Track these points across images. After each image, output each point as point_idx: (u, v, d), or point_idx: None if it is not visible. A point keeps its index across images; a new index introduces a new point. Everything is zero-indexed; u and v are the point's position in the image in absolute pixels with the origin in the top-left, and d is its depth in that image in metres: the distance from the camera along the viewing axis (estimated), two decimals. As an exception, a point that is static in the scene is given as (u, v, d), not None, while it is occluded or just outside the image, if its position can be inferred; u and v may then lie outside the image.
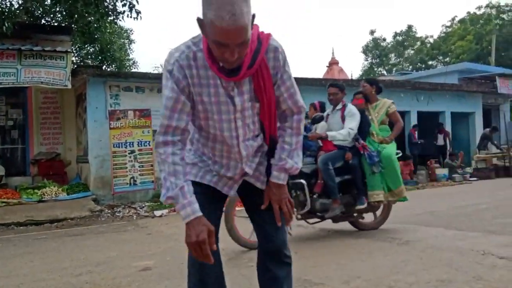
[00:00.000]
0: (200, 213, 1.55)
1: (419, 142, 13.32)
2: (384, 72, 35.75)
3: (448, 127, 14.80)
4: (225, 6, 1.36)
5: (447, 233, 4.94)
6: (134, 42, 19.89)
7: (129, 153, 9.05)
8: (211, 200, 1.75)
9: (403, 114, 14.04)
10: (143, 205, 8.92)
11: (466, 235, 4.78)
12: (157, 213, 8.07)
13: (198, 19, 1.48)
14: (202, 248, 1.52)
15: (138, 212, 8.30)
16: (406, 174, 11.56)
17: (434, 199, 8.52)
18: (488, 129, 14.37)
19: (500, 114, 16.65)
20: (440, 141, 13.91)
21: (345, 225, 5.45)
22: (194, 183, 1.67)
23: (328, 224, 5.35)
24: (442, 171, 12.42)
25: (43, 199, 8.49)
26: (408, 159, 11.75)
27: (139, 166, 9.16)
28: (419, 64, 36.37)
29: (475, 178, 12.41)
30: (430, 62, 36.26)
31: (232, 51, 1.44)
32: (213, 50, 1.48)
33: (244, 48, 1.47)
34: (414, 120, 13.86)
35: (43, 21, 12.42)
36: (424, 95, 14.18)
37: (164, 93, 1.61)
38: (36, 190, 8.75)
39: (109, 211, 8.42)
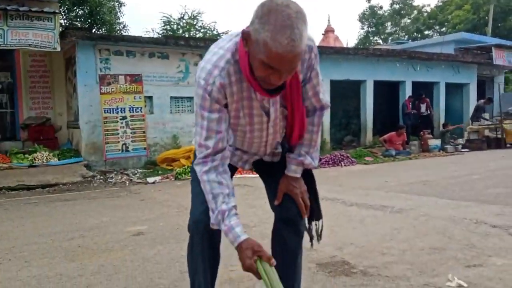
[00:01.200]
0: (243, 238, 1.46)
1: (412, 112, 13.29)
2: (380, 41, 35.32)
3: (442, 98, 14.77)
4: (285, 30, 1.24)
5: (440, 202, 4.97)
6: (125, 5, 19.23)
7: (120, 119, 8.91)
8: None
9: (398, 84, 13.98)
10: (136, 171, 8.88)
11: (459, 204, 4.81)
12: (150, 179, 8.04)
13: (245, 33, 1.36)
14: (254, 272, 1.47)
15: (131, 178, 8.26)
16: (399, 144, 11.60)
17: (426, 169, 8.57)
18: (482, 100, 14.36)
19: (495, 86, 16.60)
20: (423, 110, 13.82)
21: (336, 195, 5.46)
22: None
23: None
24: (434, 142, 12.46)
25: (34, 164, 8.39)
26: (401, 129, 11.74)
27: (131, 133, 9.04)
28: (415, 33, 35.95)
29: (467, 149, 12.49)
30: (426, 32, 35.85)
31: (280, 76, 1.34)
32: (257, 70, 1.36)
33: (293, 73, 1.39)
34: (409, 90, 13.78)
35: (29, -19, 11.93)
36: (420, 65, 14.05)
37: (200, 113, 1.51)
38: (26, 155, 8.63)
39: (101, 177, 8.37)
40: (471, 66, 15.52)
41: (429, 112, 13.86)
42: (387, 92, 14.66)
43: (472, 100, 15.38)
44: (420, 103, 13.69)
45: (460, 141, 13.53)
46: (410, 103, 13.36)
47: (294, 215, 1.73)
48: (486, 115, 14.08)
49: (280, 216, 1.78)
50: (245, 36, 1.36)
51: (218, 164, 1.53)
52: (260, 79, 1.39)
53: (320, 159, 9.83)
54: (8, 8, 8.15)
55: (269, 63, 1.30)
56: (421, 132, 12.84)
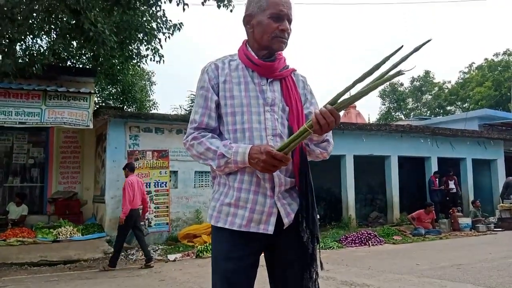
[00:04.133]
0: (249, 146, 1.60)
1: (440, 189, 12.97)
2: (402, 117, 35.65)
3: (469, 174, 14.42)
4: None
5: (477, 291, 4.65)
6: (155, 84, 20.36)
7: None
8: (243, 248, 1.66)
9: (422, 160, 13.83)
10: (157, 247, 8.76)
11: (498, 293, 4.49)
12: (171, 257, 7.90)
13: (246, 16, 1.77)
14: (274, 156, 1.52)
15: (152, 255, 8.12)
16: (428, 222, 11.21)
17: (458, 251, 8.15)
18: (511, 178, 13.95)
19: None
20: (452, 187, 13.47)
21: (365, 280, 5.18)
22: (221, 231, 1.67)
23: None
24: (465, 220, 11.97)
25: (58, 239, 8.41)
26: (430, 207, 11.39)
27: (154, 207, 9.07)
28: (437, 109, 36.23)
29: (499, 229, 11.92)
30: (448, 108, 36.11)
31: (286, 24, 1.69)
32: (268, 29, 1.70)
33: (290, 28, 1.73)
34: (434, 166, 13.58)
35: (68, 63, 12.86)
36: (444, 141, 13.97)
37: (197, 93, 1.77)
38: (51, 230, 8.70)
39: (122, 253, 8.26)
40: (498, 142, 15.32)
41: (456, 189, 13.52)
42: (412, 167, 14.49)
43: (501, 177, 14.96)
44: (448, 179, 13.41)
45: (492, 219, 12.97)
46: (437, 180, 13.09)
47: None
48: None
49: None
50: (247, 18, 1.77)
51: (207, 134, 1.70)
52: (271, 38, 1.70)
53: (346, 238, 9.54)
54: (48, 89, 8.71)
55: (276, 12, 1.68)
56: (450, 210, 12.42)
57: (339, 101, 1.53)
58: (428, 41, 1.44)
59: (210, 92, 1.72)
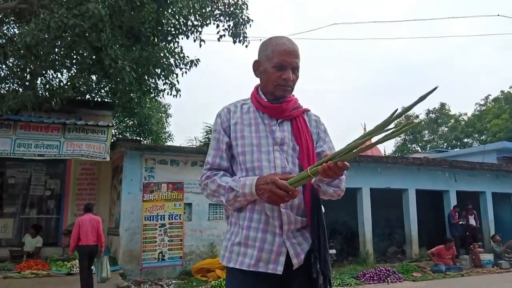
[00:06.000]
0: (256, 178, 1.64)
1: (460, 223, 12.62)
2: (418, 149, 35.27)
3: (490, 208, 14.03)
4: (283, 39, 1.80)
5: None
6: (171, 116, 20.67)
7: (159, 227, 8.97)
8: None
9: (441, 193, 13.54)
10: (170, 282, 8.62)
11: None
12: (185, 292, 7.75)
13: (255, 62, 1.86)
14: (279, 186, 1.53)
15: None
16: (448, 258, 10.85)
17: (482, 289, 7.82)
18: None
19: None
20: (471, 222, 13.11)
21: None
22: (233, 271, 1.66)
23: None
24: (487, 257, 11.56)
25: (72, 271, 8.37)
26: (450, 242, 11.05)
27: (168, 240, 9.01)
28: (454, 141, 35.79)
29: (524, 265, 11.46)
30: (465, 140, 35.66)
31: (289, 73, 1.75)
32: (271, 78, 1.77)
33: (296, 76, 1.80)
34: (453, 200, 13.26)
35: (87, 97, 13.19)
36: (463, 174, 13.70)
37: (211, 136, 1.87)
38: (65, 262, 8.67)
39: (135, 287, 8.16)
40: (517, 175, 14.96)
41: (476, 223, 13.15)
42: (430, 201, 14.18)
43: (523, 211, 14.53)
44: (468, 214, 13.06)
45: (516, 255, 12.49)
46: (456, 214, 12.76)
47: None
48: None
49: None
50: (256, 64, 1.86)
51: (219, 172, 1.76)
52: (274, 86, 1.77)
53: (364, 274, 9.27)
54: (67, 122, 8.91)
55: (279, 62, 1.74)
56: (471, 246, 12.03)
57: (344, 152, 1.52)
58: (435, 89, 1.44)
59: (221, 134, 1.81)
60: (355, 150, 1.48)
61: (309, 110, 1.91)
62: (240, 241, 1.67)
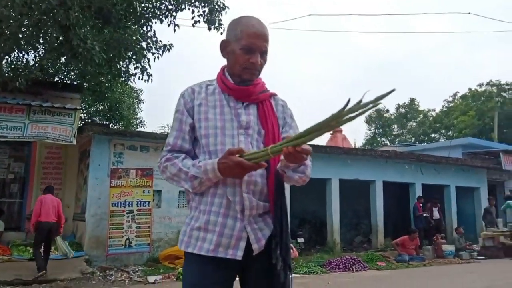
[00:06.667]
0: (216, 159, 1.60)
1: (424, 215, 13.01)
2: (387, 142, 36.07)
3: (453, 201, 14.54)
4: (253, 20, 1.74)
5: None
6: (143, 102, 20.30)
7: (127, 213, 8.82)
8: (213, 275, 1.61)
9: (407, 186, 13.91)
10: (137, 269, 8.53)
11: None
12: (151, 279, 7.69)
13: (223, 41, 1.79)
14: (239, 163, 1.52)
15: (131, 276, 7.91)
16: (412, 249, 11.19)
17: (442, 279, 8.12)
18: (488, 205, 14.17)
19: (506, 190, 16.44)
20: (435, 214, 13.55)
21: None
22: (191, 257, 1.63)
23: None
24: (448, 248, 11.99)
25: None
26: (414, 233, 11.39)
27: (136, 227, 8.88)
28: (421, 136, 36.79)
29: (483, 257, 11.96)
30: (433, 135, 36.71)
31: (257, 57, 1.70)
32: (238, 60, 1.71)
33: (264, 60, 1.75)
34: (418, 192, 13.64)
35: (56, 79, 12.76)
36: (429, 167, 14.10)
37: (173, 116, 1.79)
38: (28, 247, 8.43)
39: (100, 273, 8.03)
40: (481, 170, 15.53)
41: (440, 216, 13.59)
42: (397, 193, 14.55)
43: (484, 205, 15.08)
44: (432, 206, 13.48)
45: (475, 247, 13.01)
46: (421, 205, 13.14)
47: None
48: (500, 221, 13.71)
49: None
50: (223, 44, 1.78)
51: (180, 155, 1.71)
52: (242, 69, 1.72)
53: (330, 262, 9.45)
54: (32, 104, 8.60)
55: (248, 44, 1.69)
56: (434, 237, 12.44)
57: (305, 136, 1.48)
58: (392, 91, 1.38)
59: (185, 115, 1.74)
60: (314, 133, 1.45)
61: (276, 95, 1.87)
62: (200, 226, 1.64)
